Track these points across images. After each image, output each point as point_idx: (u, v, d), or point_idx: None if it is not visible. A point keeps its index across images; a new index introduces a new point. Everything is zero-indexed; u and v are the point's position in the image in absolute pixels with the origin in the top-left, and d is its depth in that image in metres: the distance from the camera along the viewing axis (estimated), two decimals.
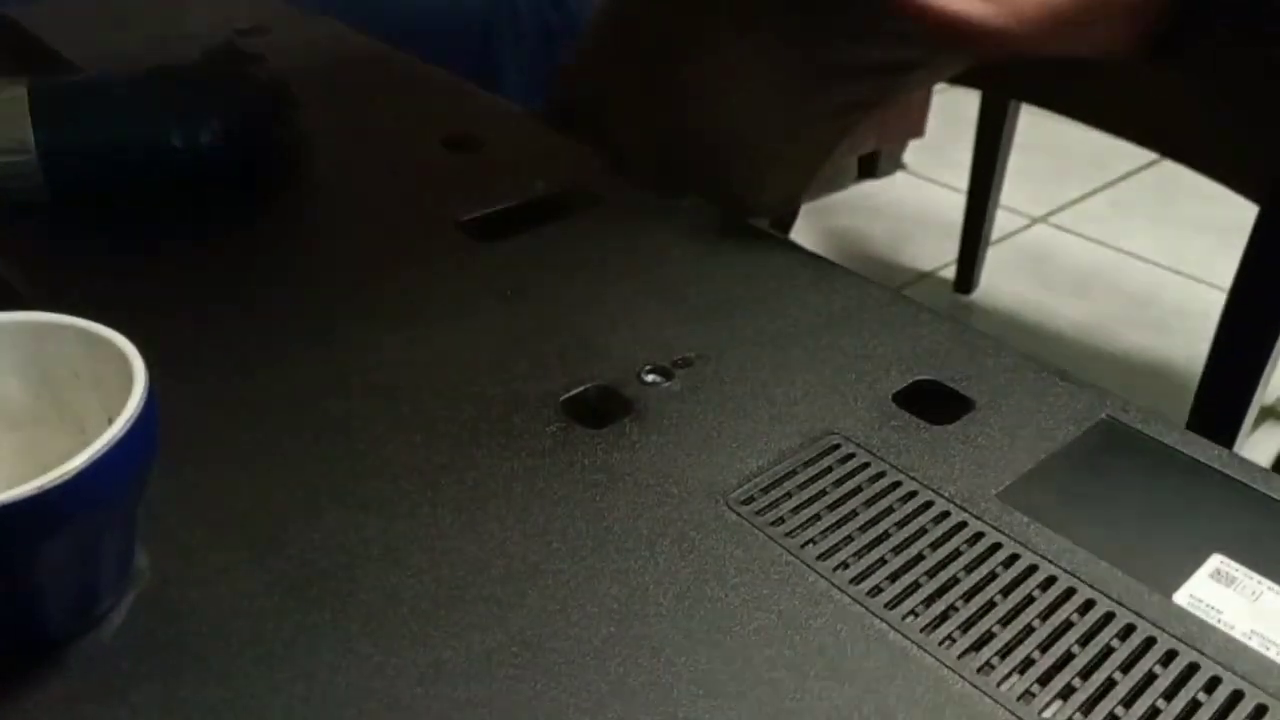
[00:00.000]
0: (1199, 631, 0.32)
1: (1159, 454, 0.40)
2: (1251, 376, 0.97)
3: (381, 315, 0.46)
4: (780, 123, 0.57)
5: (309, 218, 0.56)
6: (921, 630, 0.32)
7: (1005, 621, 0.33)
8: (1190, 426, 0.41)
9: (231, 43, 0.73)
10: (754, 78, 0.61)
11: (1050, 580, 0.34)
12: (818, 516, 0.36)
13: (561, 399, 0.41)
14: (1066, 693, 0.31)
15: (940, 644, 0.32)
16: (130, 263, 0.50)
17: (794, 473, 0.38)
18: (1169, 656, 0.32)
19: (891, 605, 0.33)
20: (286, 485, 0.36)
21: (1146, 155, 1.57)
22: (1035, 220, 1.61)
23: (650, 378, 0.43)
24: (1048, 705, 0.30)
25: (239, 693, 0.29)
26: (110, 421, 0.28)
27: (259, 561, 0.33)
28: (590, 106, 0.67)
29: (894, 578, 0.34)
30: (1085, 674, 0.31)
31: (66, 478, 0.26)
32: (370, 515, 0.35)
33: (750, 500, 0.37)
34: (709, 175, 0.61)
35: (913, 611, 0.33)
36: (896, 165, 1.74)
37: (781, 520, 0.36)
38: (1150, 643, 0.32)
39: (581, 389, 0.42)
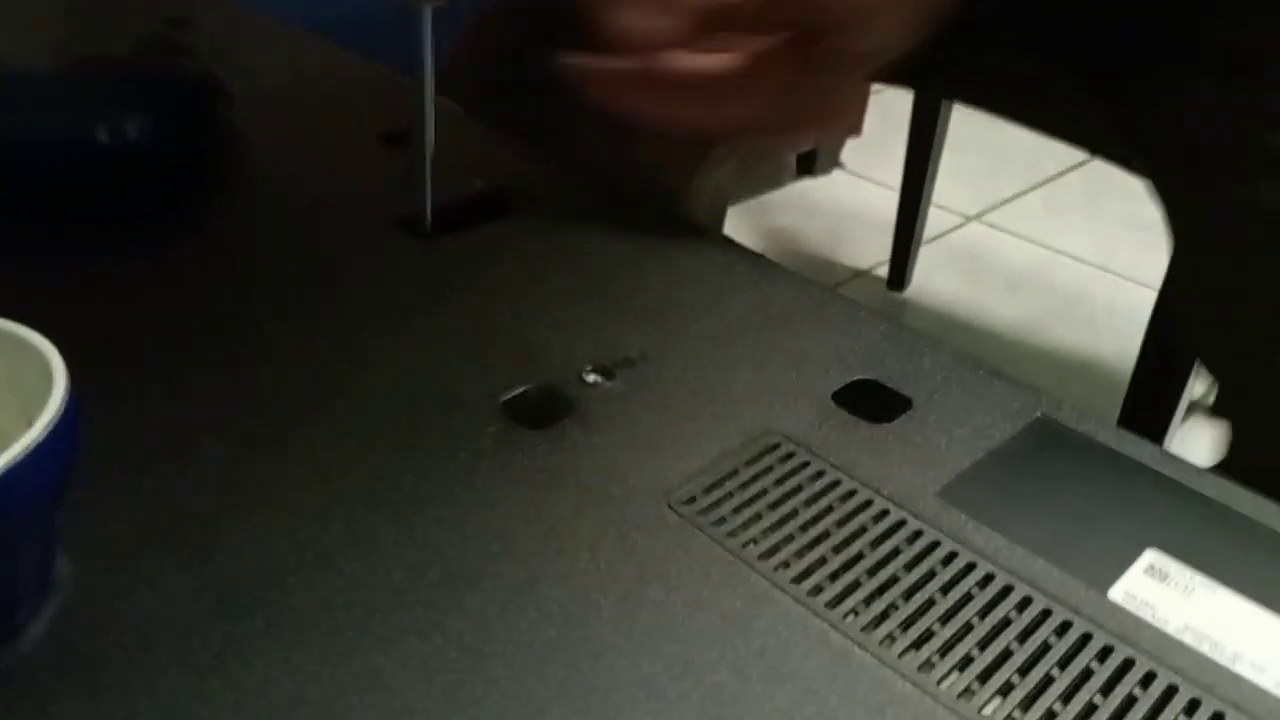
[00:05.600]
0: (1134, 627, 0.33)
1: (1093, 452, 0.40)
2: (1181, 373, 0.99)
3: (315, 315, 0.45)
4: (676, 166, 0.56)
5: (240, 215, 0.55)
6: (862, 629, 0.32)
7: (945, 619, 0.33)
8: (1121, 422, 0.41)
9: (161, 35, 0.72)
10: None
11: (988, 578, 0.34)
12: (758, 516, 0.36)
13: (501, 399, 0.41)
14: (1005, 689, 0.31)
15: (880, 643, 0.32)
16: (52, 262, 0.49)
17: (735, 472, 0.38)
18: (1105, 652, 0.32)
19: (832, 604, 0.33)
20: (216, 490, 0.35)
21: (1078, 155, 1.60)
22: (969, 219, 1.64)
23: (591, 378, 0.42)
24: (987, 702, 0.30)
25: (166, 705, 0.28)
26: (29, 425, 0.27)
27: (186, 569, 0.32)
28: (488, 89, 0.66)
29: (834, 577, 0.34)
30: (1024, 670, 0.31)
31: None
32: (303, 520, 0.35)
33: (692, 500, 0.36)
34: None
35: (853, 610, 0.33)
36: (834, 163, 1.76)
37: (723, 520, 0.36)
38: (1086, 639, 0.32)
39: (521, 389, 0.41)
